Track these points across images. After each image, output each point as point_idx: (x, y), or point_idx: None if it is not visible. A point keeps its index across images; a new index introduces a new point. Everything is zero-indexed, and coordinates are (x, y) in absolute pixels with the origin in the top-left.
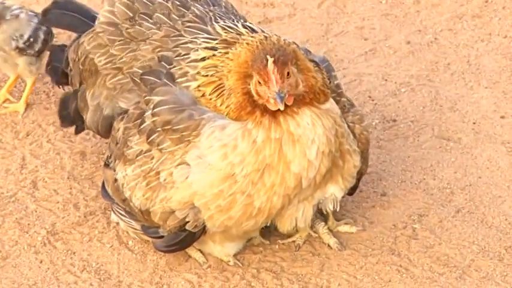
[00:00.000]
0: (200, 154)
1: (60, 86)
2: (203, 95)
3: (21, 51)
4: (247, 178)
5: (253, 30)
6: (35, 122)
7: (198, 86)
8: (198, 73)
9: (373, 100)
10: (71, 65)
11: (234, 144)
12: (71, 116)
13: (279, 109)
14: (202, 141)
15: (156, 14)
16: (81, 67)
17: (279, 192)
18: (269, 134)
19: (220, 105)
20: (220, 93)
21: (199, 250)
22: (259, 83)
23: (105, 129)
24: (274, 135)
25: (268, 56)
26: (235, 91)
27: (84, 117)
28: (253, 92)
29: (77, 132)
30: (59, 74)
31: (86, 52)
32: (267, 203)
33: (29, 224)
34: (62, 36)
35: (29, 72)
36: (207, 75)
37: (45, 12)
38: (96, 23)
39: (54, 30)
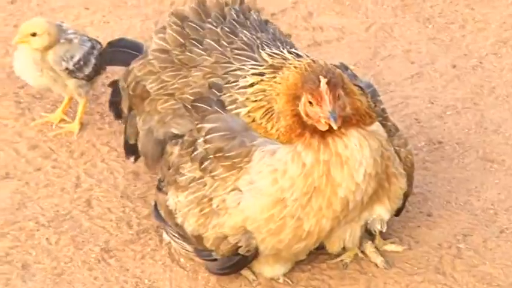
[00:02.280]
0: (251, 180)
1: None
2: (253, 121)
3: (70, 73)
4: (296, 202)
5: (298, 56)
6: (89, 141)
7: (248, 112)
8: (247, 99)
9: (419, 122)
10: (122, 93)
11: (284, 168)
12: (132, 146)
13: (327, 130)
14: (253, 167)
15: (206, 39)
16: (131, 93)
17: (328, 215)
18: (318, 156)
19: (271, 129)
20: (270, 117)
21: (249, 268)
22: (310, 103)
23: (158, 154)
24: (323, 157)
25: (321, 77)
26: (285, 113)
27: (137, 144)
28: (303, 113)
29: (136, 160)
30: (117, 107)
31: (136, 78)
32: (316, 226)
33: (83, 241)
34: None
35: (78, 95)
36: (256, 100)
37: (102, 53)
38: (149, 50)
39: None
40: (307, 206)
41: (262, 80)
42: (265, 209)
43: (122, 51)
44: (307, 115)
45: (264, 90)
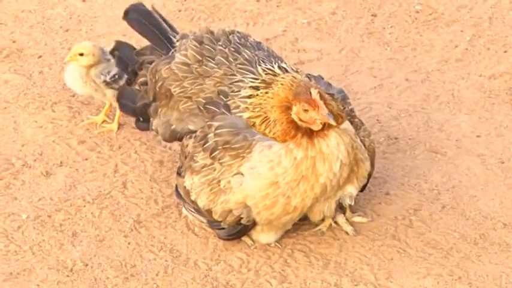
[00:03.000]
0: (252, 166)
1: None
2: (253, 125)
3: (107, 84)
4: (287, 185)
5: (286, 71)
6: (125, 138)
7: (249, 117)
8: (247, 108)
9: (380, 123)
10: (148, 82)
11: (279, 160)
12: (130, 107)
13: (313, 133)
14: (254, 156)
15: (218, 57)
16: (157, 90)
17: (310, 196)
18: (307, 153)
19: (268, 133)
20: (267, 124)
21: (248, 235)
22: (305, 110)
23: (171, 138)
24: (310, 154)
25: (312, 89)
26: (280, 121)
27: (153, 122)
28: (296, 119)
29: (136, 124)
30: (126, 68)
31: (162, 80)
32: (301, 203)
33: (120, 215)
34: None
35: (114, 102)
36: (254, 111)
37: (127, 13)
38: (173, 62)
39: None
40: (295, 189)
41: (257, 95)
42: (262, 189)
43: (151, 29)
44: (301, 120)
45: (260, 104)
